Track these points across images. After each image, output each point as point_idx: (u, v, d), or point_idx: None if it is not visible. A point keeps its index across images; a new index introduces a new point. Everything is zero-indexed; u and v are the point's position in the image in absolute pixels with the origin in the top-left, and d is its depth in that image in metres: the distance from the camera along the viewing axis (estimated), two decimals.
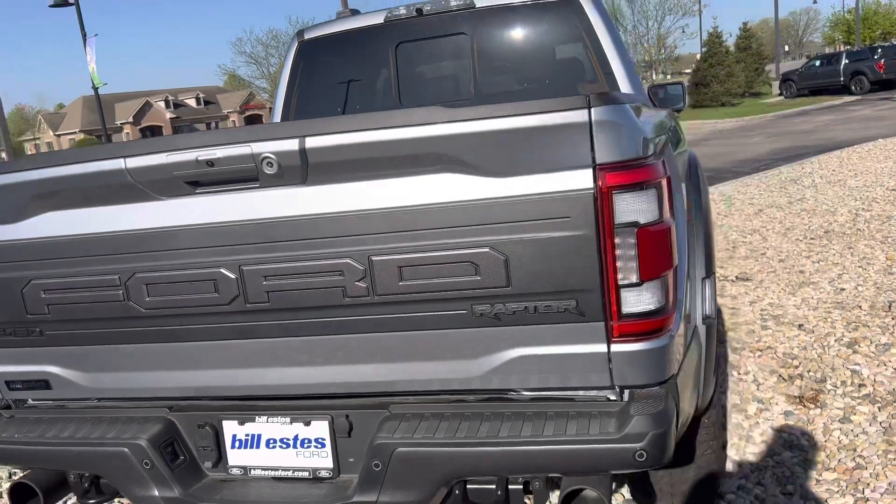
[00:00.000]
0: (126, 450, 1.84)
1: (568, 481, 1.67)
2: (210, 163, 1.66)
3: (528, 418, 1.68)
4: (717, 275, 5.52)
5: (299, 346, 1.78)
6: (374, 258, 1.65)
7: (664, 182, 1.64)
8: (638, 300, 1.59)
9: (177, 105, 62.30)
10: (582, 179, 1.54)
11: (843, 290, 4.96)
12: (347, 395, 1.82)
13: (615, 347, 1.62)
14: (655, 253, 1.59)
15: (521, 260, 1.59)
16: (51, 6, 22.16)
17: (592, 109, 1.50)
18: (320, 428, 1.83)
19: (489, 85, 3.50)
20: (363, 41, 3.55)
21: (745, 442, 3.09)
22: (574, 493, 1.64)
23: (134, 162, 1.71)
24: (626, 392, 1.67)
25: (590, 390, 1.69)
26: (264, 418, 1.87)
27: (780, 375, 3.72)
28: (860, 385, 3.51)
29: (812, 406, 3.35)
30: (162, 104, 62.21)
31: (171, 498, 1.85)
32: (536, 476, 1.72)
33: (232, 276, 1.73)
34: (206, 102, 65.78)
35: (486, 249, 1.59)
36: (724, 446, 2.75)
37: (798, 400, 3.43)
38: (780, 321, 4.49)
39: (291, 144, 1.60)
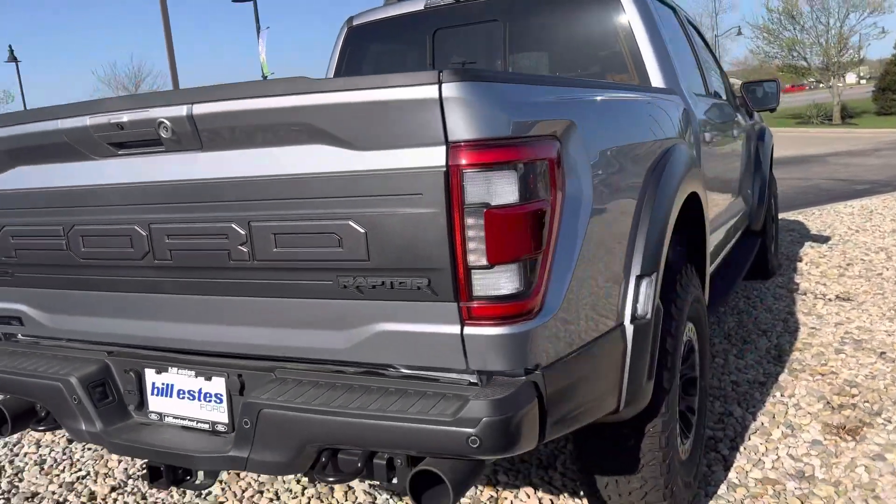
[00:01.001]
0: (59, 384, 2.03)
1: (427, 462, 1.64)
2: (120, 126, 1.79)
3: (390, 394, 1.67)
4: (817, 292, 5.08)
5: (197, 305, 1.88)
6: (253, 224, 1.71)
7: (536, 165, 1.57)
8: (490, 283, 1.54)
9: None
10: (434, 156, 1.51)
11: None
12: (240, 355, 1.89)
13: (468, 330, 1.58)
14: (509, 236, 1.52)
15: (379, 235, 1.58)
16: (234, 0, 24.00)
17: (444, 85, 1.47)
18: (218, 384, 1.92)
19: (520, 72, 3.43)
20: (404, 27, 3.61)
21: (753, 466, 2.85)
22: (420, 475, 1.61)
23: (66, 123, 1.87)
24: (487, 377, 1.62)
25: (451, 372, 1.66)
26: (175, 370, 1.99)
27: (828, 402, 3.37)
28: None
29: (848, 439, 3.02)
30: None
31: (91, 432, 2.02)
32: (397, 453, 1.71)
33: (143, 233, 1.86)
34: None
35: (348, 222, 1.60)
36: (693, 477, 2.55)
37: (836, 430, 3.10)
38: (861, 347, 4.06)
39: (180, 110, 1.70)
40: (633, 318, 1.97)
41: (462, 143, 1.49)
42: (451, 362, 1.62)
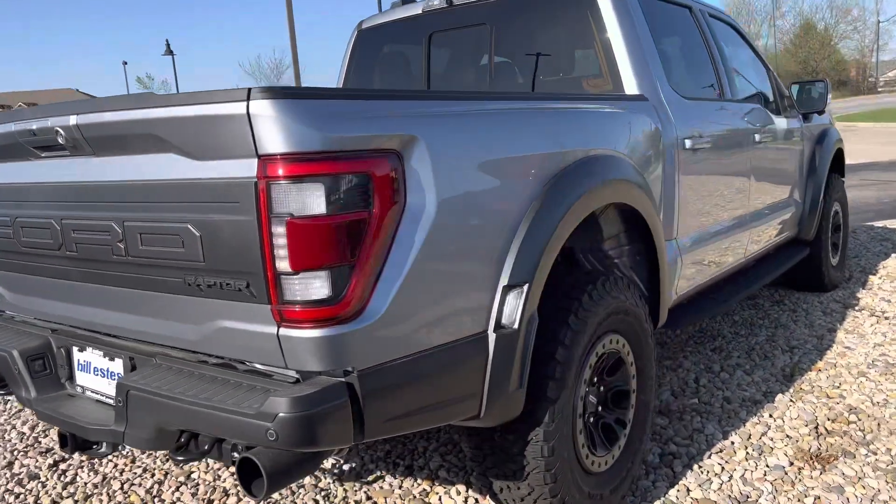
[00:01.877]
0: (5, 354, 2.33)
1: (252, 451, 1.77)
2: (32, 132, 2.04)
3: (228, 386, 1.81)
4: (877, 309, 4.73)
5: (97, 292, 2.11)
6: (126, 224, 1.91)
7: (350, 178, 1.65)
8: (298, 288, 1.64)
9: None
10: (247, 168, 1.63)
11: None
12: (136, 340, 2.10)
13: (283, 331, 1.69)
14: (314, 245, 1.62)
15: (210, 238, 1.73)
16: None
17: (252, 102, 1.58)
18: (118, 365, 2.15)
19: (503, 75, 3.44)
20: (406, 30, 3.71)
21: (698, 486, 2.76)
22: (246, 461, 1.74)
23: (7, 128, 2.15)
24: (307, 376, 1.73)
25: (279, 369, 1.78)
26: (91, 349, 2.24)
27: (817, 427, 3.18)
28: None
29: (817, 467, 2.85)
30: None
31: (27, 399, 2.31)
32: (225, 439, 1.86)
33: (58, 227, 2.11)
34: None
35: (188, 226, 1.76)
36: (613, 490, 2.51)
37: (807, 457, 2.93)
38: (890, 371, 3.77)
39: (68, 120, 1.92)
40: (498, 327, 2.01)
41: (270, 157, 1.60)
42: (275, 360, 1.75)
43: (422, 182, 1.81)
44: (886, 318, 4.67)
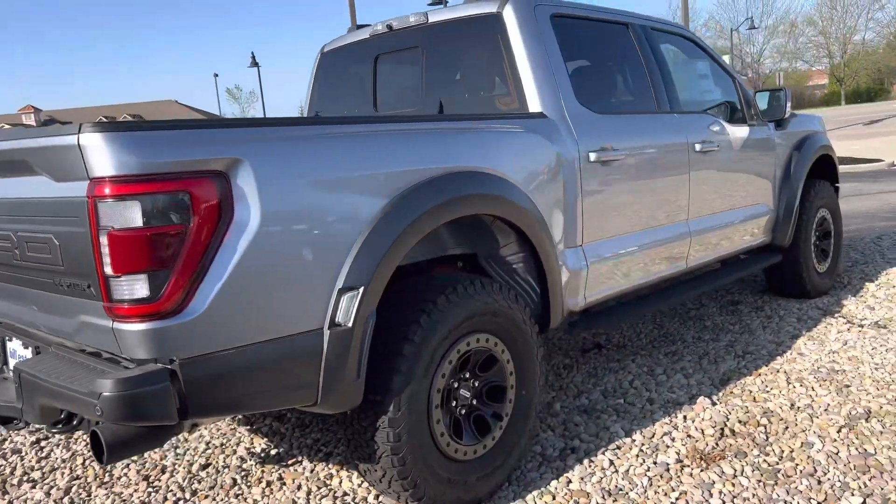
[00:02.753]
0: None
1: (99, 425, 2.11)
2: None
3: (88, 370, 2.17)
4: (857, 317, 4.71)
5: (14, 292, 2.51)
6: (17, 234, 2.30)
7: (167, 196, 1.97)
8: (122, 289, 1.97)
9: None
10: (83, 188, 1.98)
11: None
12: (39, 331, 2.49)
13: (115, 325, 2.02)
14: (132, 252, 1.94)
15: (65, 247, 2.09)
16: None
17: (82, 135, 1.93)
18: (29, 352, 2.54)
19: (431, 96, 3.69)
20: (359, 53, 4.02)
21: (580, 479, 2.93)
22: (92, 433, 2.08)
23: None
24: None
25: (121, 357, 2.11)
26: (15, 339, 2.65)
27: (723, 429, 3.28)
28: (788, 459, 2.98)
29: (700, 465, 2.98)
30: None
31: None
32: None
33: None
34: None
35: (51, 236, 2.13)
36: (480, 478, 2.74)
37: (696, 456, 3.05)
38: (830, 378, 3.79)
39: None
40: (332, 325, 2.28)
41: (98, 179, 1.94)
42: (115, 350, 2.09)
43: (248, 198, 2.11)
44: (860, 327, 4.63)
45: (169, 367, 2.02)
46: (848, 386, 3.68)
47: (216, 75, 53.77)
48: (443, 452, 2.63)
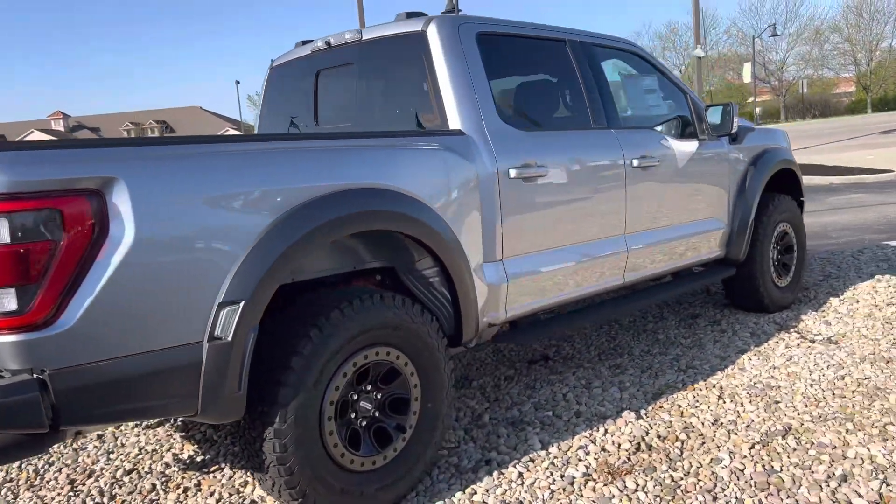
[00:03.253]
0: None
1: None
2: None
3: None
4: (812, 332, 4.70)
5: None
6: None
7: (33, 214, 2.05)
8: None
9: None
10: None
11: None
12: None
13: None
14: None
15: None
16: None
17: None
18: None
19: (364, 112, 3.77)
20: (303, 69, 4.11)
21: (486, 491, 2.97)
22: None
23: None
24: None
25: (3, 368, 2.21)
26: None
27: (639, 443, 3.30)
28: (693, 475, 3.00)
29: (608, 480, 3.00)
30: None
31: None
32: None
33: None
34: None
35: None
36: (381, 489, 2.79)
37: (606, 470, 3.08)
38: (762, 395, 3.80)
39: None
40: (212, 338, 2.36)
41: None
42: None
43: (123, 215, 2.19)
44: (811, 342, 4.62)
45: (39, 377, 2.10)
46: (778, 402, 3.69)
47: (238, 83, 54.65)
48: (337, 463, 2.69)
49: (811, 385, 3.88)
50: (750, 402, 3.71)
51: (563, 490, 2.95)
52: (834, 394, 3.75)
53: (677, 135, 4.41)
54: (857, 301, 5.43)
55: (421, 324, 2.92)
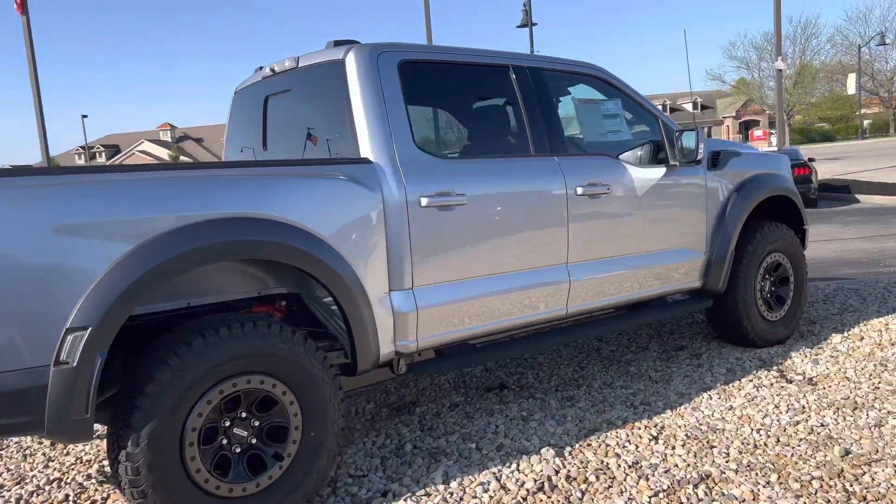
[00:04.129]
0: None
1: None
2: None
3: None
4: (794, 371, 4.45)
5: None
6: None
7: None
8: None
9: (673, 109, 63.68)
10: None
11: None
12: None
13: None
14: None
15: None
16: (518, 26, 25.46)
17: None
18: None
19: (299, 139, 3.81)
20: (258, 93, 4.21)
21: None
22: None
23: None
24: None
25: None
26: None
27: (543, 483, 3.19)
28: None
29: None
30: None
31: None
32: None
33: None
34: (703, 107, 65.71)
35: None
36: None
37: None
38: (704, 436, 3.60)
39: None
40: (57, 363, 2.45)
41: None
42: None
43: None
44: (788, 382, 4.34)
45: None
46: (713, 447, 3.48)
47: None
48: (201, 488, 2.73)
49: (758, 430, 3.65)
50: (683, 445, 3.52)
51: None
52: (778, 440, 3.51)
53: (645, 161, 4.26)
54: (862, 339, 5.07)
55: (302, 353, 2.93)
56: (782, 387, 4.26)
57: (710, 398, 4.13)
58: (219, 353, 2.72)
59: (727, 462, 3.30)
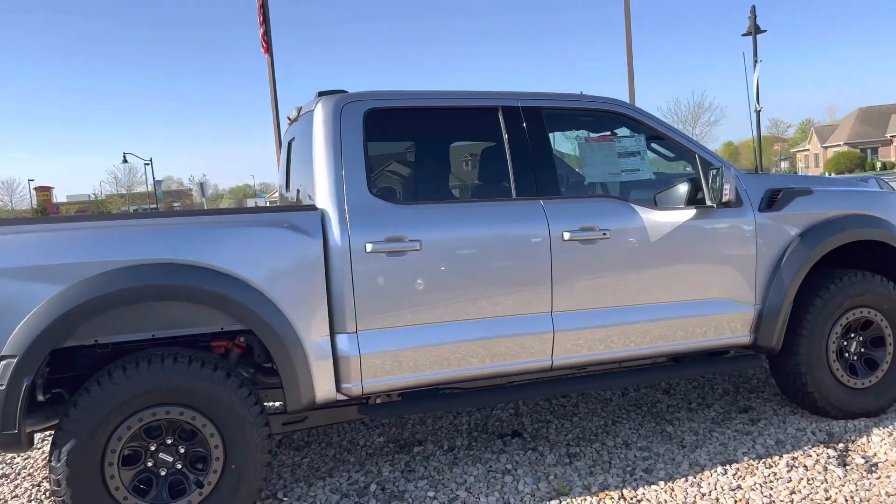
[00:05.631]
0: None
1: None
2: None
3: None
4: (861, 453, 3.89)
5: None
6: None
7: None
8: None
9: None
10: None
11: None
12: None
13: None
14: None
15: None
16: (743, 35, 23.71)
17: None
18: None
19: (300, 182, 4.01)
20: (286, 139, 4.53)
21: None
22: None
23: None
24: None
25: None
26: None
27: None
28: None
29: None
30: None
31: None
32: None
33: None
34: None
35: None
36: None
37: None
38: None
39: None
40: None
41: None
42: None
43: None
44: (841, 465, 3.68)
45: None
46: None
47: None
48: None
49: None
50: None
51: None
52: None
53: (674, 202, 3.89)
54: None
55: (221, 389, 3.14)
56: (827, 469, 3.62)
57: (724, 474, 3.64)
58: (136, 385, 3.03)
59: None
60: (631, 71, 14.98)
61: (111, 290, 3.00)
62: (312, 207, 3.42)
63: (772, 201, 4.09)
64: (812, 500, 3.32)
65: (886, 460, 3.70)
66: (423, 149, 3.92)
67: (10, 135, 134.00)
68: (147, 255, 3.11)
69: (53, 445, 2.99)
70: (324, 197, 3.42)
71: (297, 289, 3.30)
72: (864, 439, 3.98)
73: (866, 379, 4.27)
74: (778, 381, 4.39)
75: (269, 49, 20.27)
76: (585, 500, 3.44)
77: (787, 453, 3.85)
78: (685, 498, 3.41)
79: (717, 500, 3.38)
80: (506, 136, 3.73)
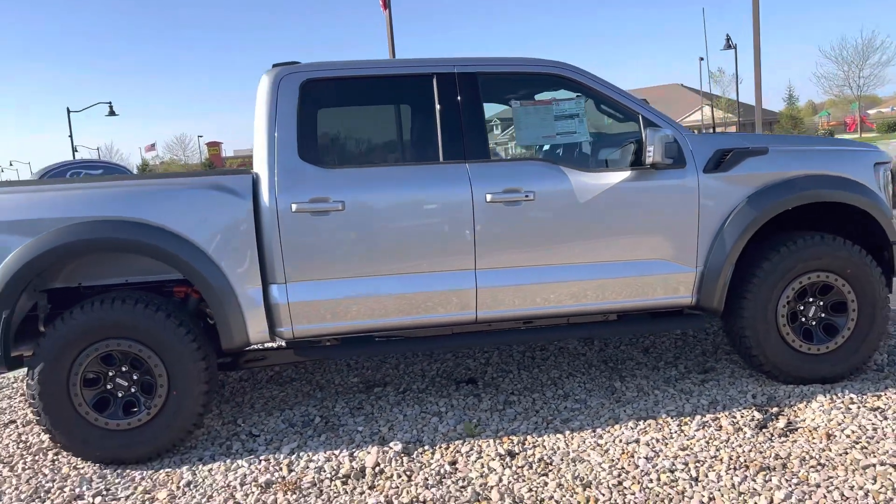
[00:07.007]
0: None
1: None
2: None
3: None
4: (775, 420, 3.90)
5: None
6: None
7: None
8: None
9: None
10: None
11: None
12: None
13: None
14: None
15: None
16: None
17: None
18: None
19: None
20: None
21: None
22: None
23: None
24: None
25: None
26: None
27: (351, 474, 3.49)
28: None
29: (254, 492, 3.38)
30: None
31: None
32: None
33: None
34: None
35: None
36: None
37: (281, 487, 3.43)
38: (572, 460, 3.46)
39: None
40: None
41: None
42: None
43: None
44: (758, 428, 3.70)
45: None
46: (546, 476, 3.33)
47: (701, 59, 52.81)
48: (83, 419, 3.71)
49: (620, 470, 3.33)
50: (523, 468, 3.42)
51: (230, 490, 3.44)
52: (619, 484, 3.20)
53: (613, 164, 3.99)
54: None
55: (161, 326, 3.70)
56: (740, 430, 3.65)
57: (633, 428, 3.76)
58: (91, 321, 3.65)
59: (539, 495, 3.16)
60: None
61: (68, 241, 3.62)
62: (245, 171, 3.85)
63: (720, 162, 4.04)
64: (697, 457, 3.40)
65: (808, 427, 3.66)
66: (357, 116, 4.22)
67: (185, 97, 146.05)
68: (102, 213, 3.69)
69: (29, 366, 3.69)
70: (259, 161, 3.85)
71: (229, 244, 3.77)
72: (802, 405, 3.92)
73: (823, 345, 4.16)
74: (730, 342, 4.37)
75: (387, 5, 20.87)
76: (489, 442, 3.71)
77: (712, 413, 3.89)
78: (578, 446, 3.60)
79: (608, 451, 3.54)
80: (437, 102, 3.96)
